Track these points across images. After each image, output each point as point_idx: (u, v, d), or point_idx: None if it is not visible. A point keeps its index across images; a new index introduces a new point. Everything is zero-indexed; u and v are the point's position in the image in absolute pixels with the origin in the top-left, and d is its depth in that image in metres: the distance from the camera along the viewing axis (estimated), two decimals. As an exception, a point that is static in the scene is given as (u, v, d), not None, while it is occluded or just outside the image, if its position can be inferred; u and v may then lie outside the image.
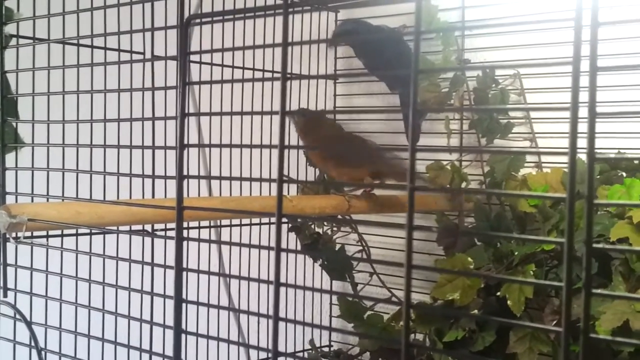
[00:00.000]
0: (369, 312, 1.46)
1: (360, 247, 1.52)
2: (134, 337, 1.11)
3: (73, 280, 1.04)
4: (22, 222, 0.84)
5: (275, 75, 1.40)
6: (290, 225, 1.49)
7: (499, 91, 1.37)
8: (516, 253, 1.25)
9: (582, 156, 1.24)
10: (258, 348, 0.68)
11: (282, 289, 0.78)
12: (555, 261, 1.26)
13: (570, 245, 0.49)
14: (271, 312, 0.66)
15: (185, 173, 0.71)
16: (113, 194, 1.17)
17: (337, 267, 1.50)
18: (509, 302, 1.22)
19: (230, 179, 1.08)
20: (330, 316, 1.66)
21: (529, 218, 1.28)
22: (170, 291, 0.91)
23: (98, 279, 1.07)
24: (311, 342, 1.52)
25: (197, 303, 0.76)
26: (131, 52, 1.27)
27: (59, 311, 1.03)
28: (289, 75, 0.63)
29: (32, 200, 0.98)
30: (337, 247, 1.52)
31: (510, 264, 1.26)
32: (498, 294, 1.25)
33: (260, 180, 1.11)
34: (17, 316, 0.96)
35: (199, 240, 0.70)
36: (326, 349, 1.65)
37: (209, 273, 1.22)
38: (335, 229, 1.52)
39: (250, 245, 1.35)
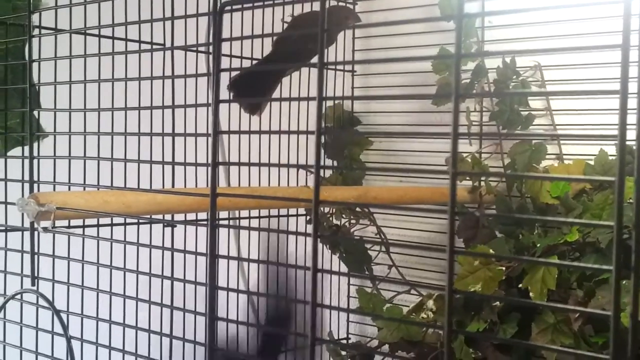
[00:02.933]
0: (388, 305, 1.46)
1: (379, 240, 1.52)
2: (154, 324, 1.11)
3: (94, 270, 1.04)
4: (51, 211, 0.84)
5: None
6: (308, 217, 1.48)
7: (519, 83, 1.36)
8: (538, 245, 1.24)
9: (606, 148, 1.23)
10: (304, 335, 0.68)
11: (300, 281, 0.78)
12: (577, 253, 1.25)
13: (619, 229, 0.49)
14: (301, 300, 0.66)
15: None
16: (133, 184, 1.17)
17: (356, 260, 1.50)
18: (531, 293, 1.22)
19: (268, 165, 1.07)
20: (348, 308, 1.66)
21: (550, 210, 1.28)
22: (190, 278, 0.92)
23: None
24: (330, 334, 1.52)
25: (228, 289, 0.76)
26: (152, 43, 1.27)
27: (81, 299, 1.03)
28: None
29: (54, 189, 0.98)
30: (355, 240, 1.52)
31: (532, 256, 1.25)
32: (520, 285, 1.24)
33: (293, 166, 1.10)
34: (41, 304, 0.96)
35: (239, 227, 0.69)
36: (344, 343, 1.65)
37: (246, 260, 1.22)
38: (353, 221, 1.52)
39: (293, 233, 1.34)
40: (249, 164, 1.03)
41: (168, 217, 1.25)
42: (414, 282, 1.50)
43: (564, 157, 1.35)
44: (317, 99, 0.65)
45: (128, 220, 1.24)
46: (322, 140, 1.56)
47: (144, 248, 1.12)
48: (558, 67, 1.39)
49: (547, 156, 1.34)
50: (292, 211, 1.50)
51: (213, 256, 0.74)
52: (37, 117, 1.15)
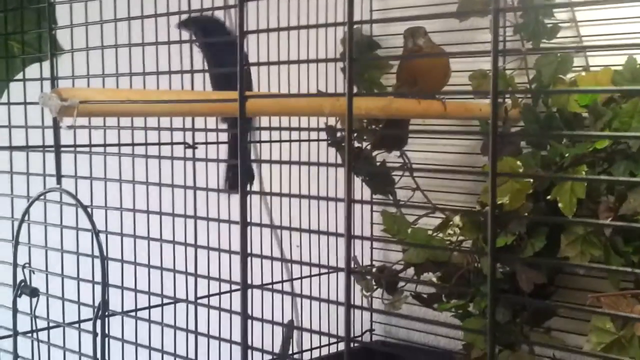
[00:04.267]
0: (411, 227, 1.44)
1: (402, 162, 1.50)
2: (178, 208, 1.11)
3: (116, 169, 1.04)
4: (74, 106, 0.82)
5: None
6: (330, 140, 1.46)
7: (544, -7, 1.33)
8: (567, 155, 1.22)
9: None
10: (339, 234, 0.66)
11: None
12: (606, 164, 1.23)
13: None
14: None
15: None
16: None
17: (378, 183, 1.48)
18: (560, 204, 1.19)
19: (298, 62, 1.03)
20: (372, 235, 1.65)
21: (577, 119, 1.25)
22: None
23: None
24: (354, 258, 1.51)
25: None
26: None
27: (104, 192, 1.02)
28: None
29: (73, 85, 0.96)
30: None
31: (560, 166, 1.23)
32: (548, 197, 1.22)
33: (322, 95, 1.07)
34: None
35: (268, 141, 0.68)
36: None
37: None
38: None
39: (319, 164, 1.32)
40: (278, 62, 0.99)
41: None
42: (439, 204, 1.48)
43: (591, 67, 1.32)
44: (347, 25, 0.62)
45: (149, 141, 1.23)
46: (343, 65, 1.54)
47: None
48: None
49: (574, 68, 1.31)
50: (313, 136, 1.48)
51: (244, 166, 0.73)
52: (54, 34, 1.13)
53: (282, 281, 1.48)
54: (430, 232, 1.38)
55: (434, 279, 1.40)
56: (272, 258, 1.27)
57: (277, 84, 1.31)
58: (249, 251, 0.75)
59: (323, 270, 1.52)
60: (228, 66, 1.17)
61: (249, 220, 0.74)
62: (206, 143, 1.30)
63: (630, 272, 0.87)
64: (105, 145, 1.19)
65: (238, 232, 0.73)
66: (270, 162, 1.12)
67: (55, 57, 0.93)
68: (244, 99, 0.69)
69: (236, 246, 0.75)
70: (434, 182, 1.53)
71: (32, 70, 1.13)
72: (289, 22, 1.24)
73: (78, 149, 1.02)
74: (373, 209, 1.64)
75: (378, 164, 1.51)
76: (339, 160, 1.50)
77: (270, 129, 1.28)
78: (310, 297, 0.82)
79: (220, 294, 1.32)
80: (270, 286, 1.43)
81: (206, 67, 1.28)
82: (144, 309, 1.19)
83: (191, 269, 0.93)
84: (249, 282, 0.75)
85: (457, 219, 1.32)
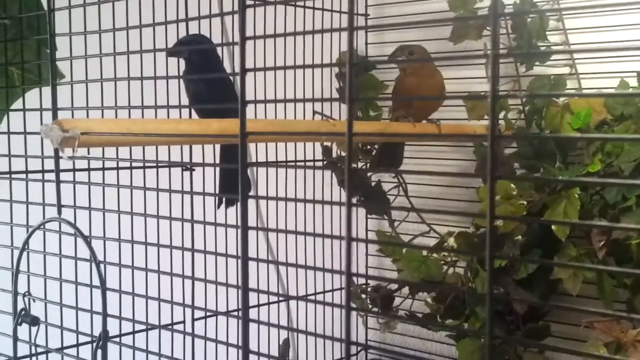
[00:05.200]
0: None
1: (397, 183, 1.51)
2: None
3: (114, 198, 1.05)
4: (75, 137, 0.83)
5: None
6: (325, 161, 1.48)
7: (537, 16, 1.34)
8: (560, 177, 1.23)
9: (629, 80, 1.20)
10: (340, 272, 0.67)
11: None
12: (599, 187, 1.24)
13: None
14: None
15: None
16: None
17: (374, 203, 1.49)
18: (553, 227, 1.21)
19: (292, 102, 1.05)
20: (367, 254, 1.66)
21: (570, 142, 1.27)
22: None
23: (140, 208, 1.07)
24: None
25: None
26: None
27: (103, 224, 1.03)
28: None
29: (73, 116, 0.97)
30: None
31: (554, 189, 1.24)
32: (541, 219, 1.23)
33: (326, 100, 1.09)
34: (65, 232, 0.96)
35: (265, 164, 0.69)
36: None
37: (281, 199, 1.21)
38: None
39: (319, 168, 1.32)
40: (282, 100, 1.00)
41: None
42: (433, 224, 1.49)
43: (583, 90, 1.33)
44: (348, 32, 0.63)
45: (147, 164, 1.24)
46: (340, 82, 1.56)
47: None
48: None
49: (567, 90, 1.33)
50: (309, 156, 1.50)
51: (244, 198, 0.73)
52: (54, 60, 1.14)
53: (279, 301, 1.49)
54: (424, 253, 1.40)
55: (429, 299, 1.41)
56: (274, 294, 1.27)
57: (273, 106, 1.33)
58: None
59: (319, 289, 1.54)
60: (218, 93, 1.19)
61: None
62: (203, 165, 1.31)
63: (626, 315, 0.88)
64: (103, 169, 1.20)
65: (234, 261, 0.74)
66: (267, 198, 1.12)
67: (56, 87, 0.94)
68: (245, 135, 0.70)
69: (233, 278, 0.76)
70: (427, 202, 1.54)
71: (32, 94, 1.14)
72: (285, 53, 1.25)
73: (77, 178, 1.02)
74: (368, 228, 1.66)
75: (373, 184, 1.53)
76: (334, 177, 1.51)
77: (267, 164, 1.29)
78: (307, 332, 0.83)
79: (217, 314, 1.33)
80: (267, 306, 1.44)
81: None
82: (142, 331, 1.20)
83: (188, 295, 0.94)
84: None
85: (451, 240, 1.33)
